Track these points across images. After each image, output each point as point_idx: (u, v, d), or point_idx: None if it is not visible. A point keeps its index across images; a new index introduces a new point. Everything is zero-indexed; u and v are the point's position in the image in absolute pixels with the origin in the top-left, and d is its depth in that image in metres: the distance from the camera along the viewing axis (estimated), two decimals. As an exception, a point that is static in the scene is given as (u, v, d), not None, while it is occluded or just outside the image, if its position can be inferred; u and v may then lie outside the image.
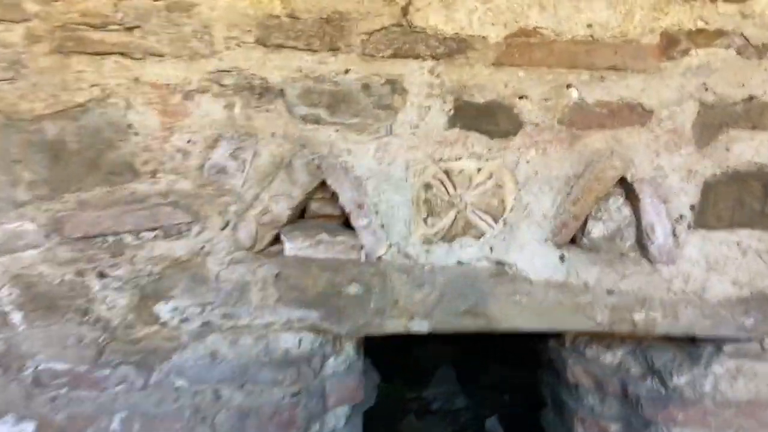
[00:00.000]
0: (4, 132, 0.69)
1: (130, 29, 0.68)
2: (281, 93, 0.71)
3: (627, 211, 0.74)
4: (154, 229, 0.72)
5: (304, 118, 0.72)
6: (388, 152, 0.73)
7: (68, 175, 0.71)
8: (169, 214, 0.72)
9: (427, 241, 0.75)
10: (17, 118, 0.69)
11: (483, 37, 0.70)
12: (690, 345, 0.79)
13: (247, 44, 0.70)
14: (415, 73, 0.71)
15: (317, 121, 0.72)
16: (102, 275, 0.73)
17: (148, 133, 0.71)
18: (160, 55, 0.69)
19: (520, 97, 0.72)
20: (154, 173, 0.71)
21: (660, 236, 0.72)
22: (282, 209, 0.73)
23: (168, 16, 0.68)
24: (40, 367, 0.77)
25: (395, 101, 0.72)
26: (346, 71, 0.71)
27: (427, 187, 0.73)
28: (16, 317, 0.75)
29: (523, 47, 0.70)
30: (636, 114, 0.72)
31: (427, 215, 0.73)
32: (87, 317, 0.75)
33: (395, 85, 0.71)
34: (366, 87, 0.71)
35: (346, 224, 0.76)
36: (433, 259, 0.75)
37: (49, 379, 0.75)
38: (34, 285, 0.73)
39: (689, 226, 0.73)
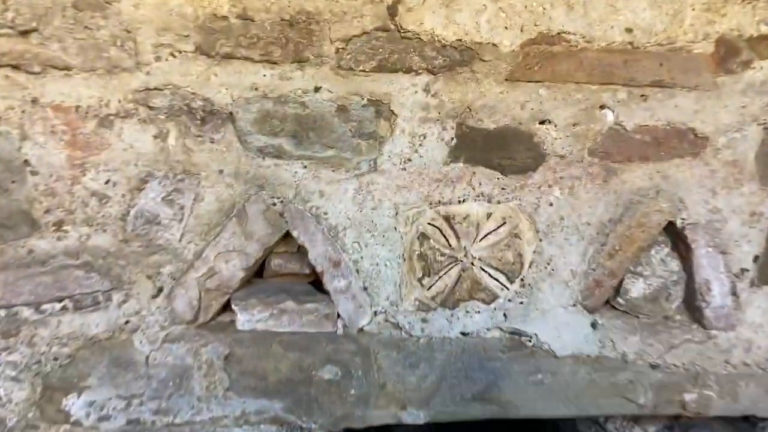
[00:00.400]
0: None
1: (24, 34, 0.54)
2: (231, 118, 0.58)
3: (674, 264, 0.63)
4: (60, 300, 0.58)
5: (262, 151, 0.58)
6: (372, 194, 0.60)
7: None
8: (80, 280, 0.58)
9: (424, 307, 0.62)
10: None
11: (494, 44, 0.58)
12: (741, 421, 0.68)
13: (185, 54, 0.56)
14: (405, 92, 0.58)
15: (279, 154, 0.58)
16: None
17: (52, 172, 0.56)
18: (67, 69, 0.55)
19: (542, 122, 0.60)
20: (59, 225, 0.57)
21: (717, 296, 0.61)
22: (233, 270, 0.59)
23: (76, 16, 0.54)
24: None
25: (380, 128, 0.59)
26: (317, 89, 0.58)
27: (423, 237, 0.60)
28: None
29: (544, 58, 0.58)
30: (687, 142, 0.60)
31: (423, 274, 0.60)
32: None
33: (380, 107, 0.59)
34: (342, 110, 0.58)
35: (319, 286, 0.63)
36: (431, 330, 0.62)
37: None
38: None
39: (753, 283, 0.62)
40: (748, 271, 0.61)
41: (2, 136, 0.55)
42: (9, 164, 0.55)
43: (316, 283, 0.61)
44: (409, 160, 0.58)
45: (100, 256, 0.56)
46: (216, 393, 0.58)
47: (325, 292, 0.58)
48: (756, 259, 0.61)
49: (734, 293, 0.60)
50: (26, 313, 0.56)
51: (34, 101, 0.55)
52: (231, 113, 0.56)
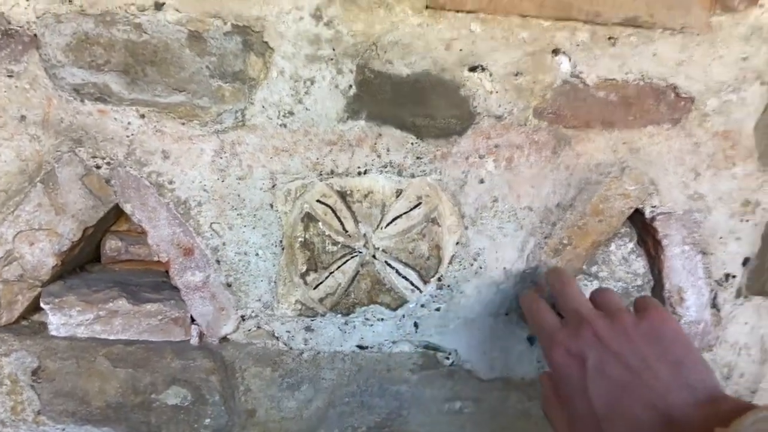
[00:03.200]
0: None
1: None
2: (35, 42, 0.74)
3: (640, 264, 0.87)
4: None
5: (80, 91, 0.76)
6: (239, 158, 0.80)
7: None
8: None
9: (308, 311, 0.84)
10: None
11: None
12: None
13: None
14: (287, 17, 0.76)
15: (104, 97, 0.76)
16: None
17: None
18: None
19: (473, 69, 0.80)
20: None
21: (692, 308, 0.86)
22: (41, 256, 0.79)
23: None
24: None
25: (251, 66, 0.78)
26: (158, 6, 0.75)
27: (309, 219, 0.81)
28: None
29: None
30: (666, 104, 0.82)
31: (308, 269, 0.82)
32: None
33: (250, 37, 0.77)
34: (196, 38, 0.76)
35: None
36: (318, 341, 0.86)
37: None
38: None
39: (739, 293, 0.87)
40: (734, 277, 0.85)
41: None
42: None
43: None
44: (291, 113, 0.77)
45: None
46: (25, 417, 0.80)
47: (177, 289, 0.79)
48: (746, 261, 0.85)
49: (714, 305, 0.85)
50: None
51: None
52: (35, 36, 0.73)
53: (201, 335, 0.79)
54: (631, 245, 0.82)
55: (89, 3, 0.70)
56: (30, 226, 0.73)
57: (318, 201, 0.76)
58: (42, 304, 0.75)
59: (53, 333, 0.76)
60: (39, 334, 0.77)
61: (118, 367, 0.77)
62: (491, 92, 0.76)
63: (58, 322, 0.75)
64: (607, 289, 0.68)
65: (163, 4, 0.71)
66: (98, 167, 0.73)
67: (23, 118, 0.72)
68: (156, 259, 0.79)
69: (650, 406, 0.46)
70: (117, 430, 0.79)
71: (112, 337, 0.77)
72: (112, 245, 0.80)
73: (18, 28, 0.70)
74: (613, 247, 0.81)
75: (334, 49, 0.74)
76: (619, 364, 0.50)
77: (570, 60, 0.76)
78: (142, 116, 0.73)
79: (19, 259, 0.74)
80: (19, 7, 0.70)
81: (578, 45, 0.75)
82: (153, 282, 0.81)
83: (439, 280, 0.80)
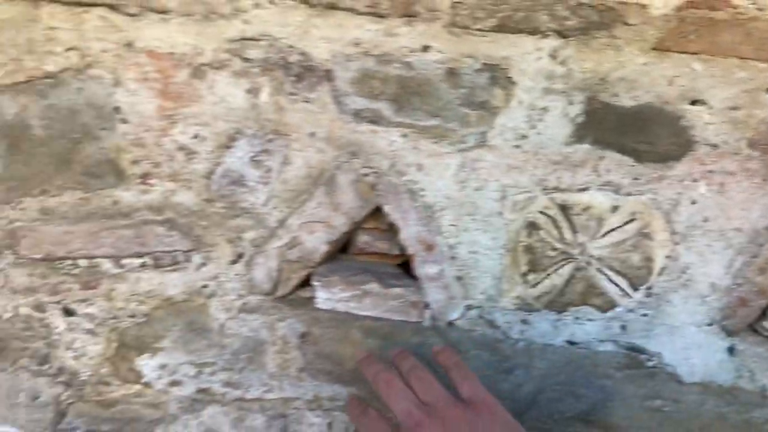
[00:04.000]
0: None
1: (123, -27, 1.25)
2: (328, 76, 1.25)
3: None
4: (140, 255, 1.33)
5: (359, 115, 1.25)
6: (477, 172, 1.25)
7: (29, 172, 1.33)
8: (161, 237, 1.33)
9: (525, 306, 1.28)
10: None
11: (642, 5, 1.17)
12: None
13: (285, 2, 1.23)
14: (529, 57, 1.20)
15: (377, 120, 1.25)
16: (69, 312, 1.38)
17: (142, 121, 1.29)
18: (164, 12, 1.25)
19: (693, 102, 1.18)
20: (145, 178, 1.31)
21: None
22: (317, 243, 1.30)
23: None
24: (-18, 424, 1.46)
25: (495, 97, 1.23)
26: (425, 49, 1.22)
27: (532, 227, 1.25)
28: None
29: (703, 25, 1.16)
30: None
31: (529, 269, 1.26)
32: (46, 366, 1.41)
33: (497, 74, 1.22)
34: (452, 74, 1.23)
35: (408, 270, 1.31)
36: (532, 334, 1.29)
37: (-6, 441, 1.44)
38: None
39: None
40: None
41: (95, 80, 1.27)
42: (100, 110, 1.28)
43: (404, 266, 1.29)
44: (525, 136, 1.21)
45: (182, 214, 1.29)
46: (289, 372, 1.31)
47: (415, 278, 1.27)
48: None
49: None
50: (107, 265, 1.32)
51: (129, 45, 1.26)
52: (329, 71, 1.22)
53: (432, 318, 1.25)
54: None
55: (372, 46, 1.18)
56: (311, 219, 1.23)
57: (541, 212, 1.19)
58: (313, 282, 1.24)
59: (319, 306, 1.25)
60: (306, 306, 1.27)
61: (368, 337, 1.24)
62: (709, 123, 1.14)
63: (323, 297, 1.25)
64: (430, 379, 0.93)
65: (429, 47, 1.17)
66: (367, 175, 1.21)
67: (313, 134, 1.22)
68: (395, 253, 1.26)
69: None
70: (361, 391, 1.27)
71: (362, 313, 1.25)
72: (363, 239, 1.28)
73: (316, 65, 1.20)
74: None
75: (566, 84, 1.16)
76: None
77: None
78: (404, 136, 1.20)
79: (300, 245, 1.24)
80: (319, 48, 1.19)
81: None
82: (391, 272, 1.28)
83: (648, 288, 1.19)
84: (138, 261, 1.25)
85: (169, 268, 1.25)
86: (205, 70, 1.19)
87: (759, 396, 1.16)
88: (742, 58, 1.09)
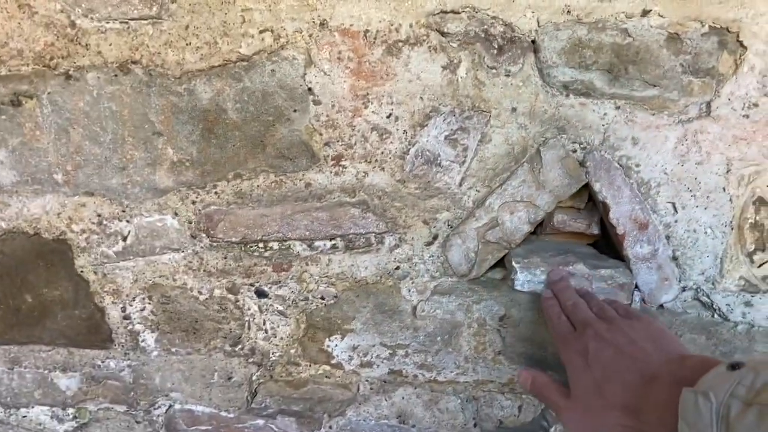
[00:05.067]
0: (144, 92, 1.33)
1: (315, -51, 1.22)
2: (533, 47, 1.19)
3: None
4: (332, 238, 1.33)
5: (567, 87, 1.19)
6: (699, 145, 1.17)
7: (224, 156, 1.34)
8: (354, 219, 1.32)
9: (750, 287, 1.20)
10: (161, 74, 1.32)
11: None
12: None
13: None
14: (760, 19, 1.10)
15: (587, 91, 1.19)
16: (261, 294, 1.40)
17: (334, 102, 1.27)
18: None
19: None
20: (338, 160, 1.30)
21: None
22: (518, 223, 1.26)
23: None
24: (174, 408, 1.53)
25: (722, 63, 1.14)
26: (645, 13, 1.14)
27: (761, 203, 1.16)
28: (149, 340, 1.48)
29: None
30: None
31: (756, 248, 1.18)
32: (239, 347, 1.45)
33: (725, 37, 1.13)
34: (674, 39, 1.14)
35: (602, 249, 1.25)
36: (755, 316, 1.21)
37: (186, 424, 1.50)
38: (173, 300, 1.43)
39: None
40: None
41: (288, 61, 1.26)
42: (293, 92, 1.27)
43: (600, 245, 1.23)
44: (756, 105, 1.12)
45: (376, 195, 1.27)
46: (485, 355, 1.29)
47: (616, 258, 1.21)
48: None
49: None
50: (299, 248, 1.32)
51: (323, 24, 1.23)
52: (534, 41, 1.17)
53: (642, 301, 1.19)
54: None
55: (585, 12, 1.11)
56: (513, 198, 1.18)
57: None
58: (513, 263, 1.21)
59: (518, 288, 1.21)
60: (501, 288, 1.23)
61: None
62: None
63: (523, 278, 1.21)
64: (607, 301, 1.05)
65: (650, 11, 1.09)
66: (575, 151, 1.16)
67: (514, 109, 1.17)
68: (594, 232, 1.20)
69: (634, 369, 0.80)
70: (561, 375, 1.23)
71: None
72: (559, 218, 1.23)
73: (520, 36, 1.14)
74: None
75: None
76: (611, 348, 0.86)
77: None
78: (617, 107, 1.13)
79: (500, 225, 1.20)
80: (525, 18, 1.14)
81: None
82: (588, 252, 1.22)
83: None
84: (330, 243, 1.26)
85: (360, 250, 1.25)
86: (401, 47, 1.16)
87: None
88: None
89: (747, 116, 1.08)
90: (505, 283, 1.21)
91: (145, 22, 1.16)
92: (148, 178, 1.25)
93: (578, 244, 1.23)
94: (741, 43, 1.06)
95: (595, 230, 1.18)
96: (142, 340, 1.37)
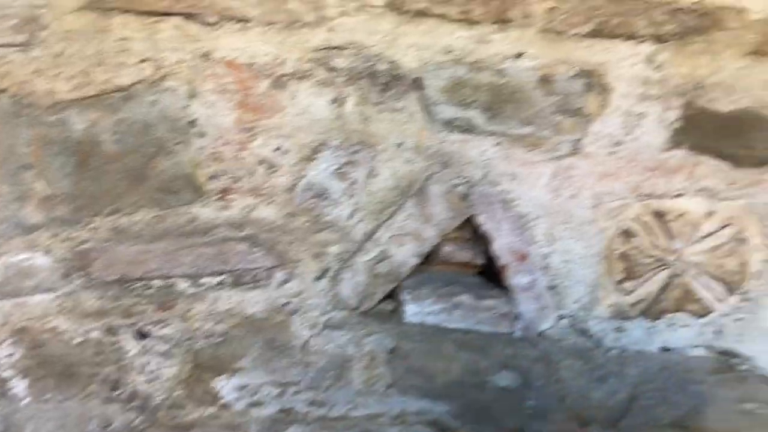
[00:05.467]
0: (11, 123, 1.26)
1: (198, -20, 1.21)
2: (417, 84, 1.23)
3: None
4: (220, 274, 1.30)
5: (450, 124, 1.24)
6: (571, 180, 1.25)
7: (101, 189, 1.29)
8: (242, 254, 1.30)
9: (620, 314, 1.29)
10: (30, 104, 1.26)
11: (739, 10, 1.18)
12: None
13: (373, 9, 1.20)
14: (624, 63, 1.20)
15: (469, 128, 1.24)
16: (142, 335, 1.34)
17: (219, 134, 1.25)
18: (244, 20, 1.21)
19: None
20: (224, 193, 1.28)
21: None
22: (406, 255, 1.28)
23: None
24: (48, 452, 1.42)
25: (590, 104, 1.23)
26: (519, 55, 1.21)
27: (627, 235, 1.25)
28: (19, 387, 1.37)
29: None
30: None
31: (624, 277, 1.27)
32: (118, 392, 1.37)
33: (592, 80, 1.21)
34: (546, 81, 1.22)
35: (489, 278, 1.30)
36: (626, 341, 1.30)
37: (62, 468, 1.40)
38: (45, 344, 1.34)
39: None
40: None
41: (169, 92, 1.24)
42: (175, 123, 1.25)
43: (489, 275, 1.29)
44: (620, 143, 1.21)
45: (264, 229, 1.26)
46: (376, 389, 1.30)
47: (503, 288, 1.26)
48: None
49: None
50: (183, 285, 1.29)
51: (206, 55, 1.22)
52: (418, 79, 1.21)
53: (523, 329, 1.25)
54: None
55: (465, 53, 1.17)
56: (400, 231, 1.22)
57: (635, 219, 1.20)
58: (402, 296, 1.24)
59: (408, 319, 1.24)
60: (393, 320, 1.26)
61: (461, 351, 1.24)
62: None
63: (413, 310, 1.24)
64: None
65: (523, 53, 1.17)
66: (457, 186, 1.21)
67: (400, 144, 1.21)
68: (479, 262, 1.26)
69: None
70: (451, 405, 1.26)
71: (452, 326, 1.25)
72: (446, 249, 1.28)
73: (405, 73, 1.19)
74: None
75: (662, 89, 1.17)
76: None
77: None
78: (497, 145, 1.20)
79: (388, 258, 1.23)
80: (408, 56, 1.18)
81: None
82: (477, 282, 1.28)
83: (744, 293, 1.21)
84: (217, 279, 1.23)
85: (249, 286, 1.23)
86: (287, 81, 1.17)
87: None
88: (839, 62, 1.11)
89: (613, 153, 1.16)
90: (396, 315, 1.23)
91: (13, 49, 1.09)
92: (15, 214, 1.17)
93: (466, 275, 1.27)
94: (606, 86, 1.13)
95: (480, 261, 1.22)
96: (12, 388, 1.27)
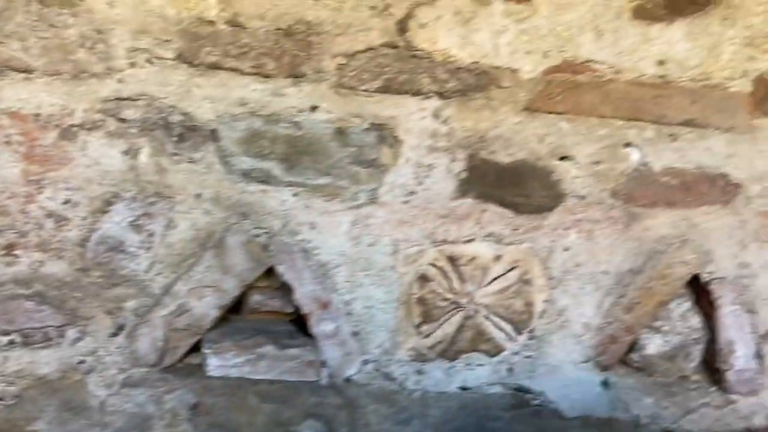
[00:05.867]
0: None
1: (-23, 27, 1.17)
2: (213, 136, 1.24)
3: (696, 320, 1.38)
4: (7, 333, 1.24)
5: (247, 175, 1.26)
6: (370, 228, 1.30)
7: None
8: (30, 313, 1.24)
9: (420, 357, 1.34)
10: None
11: (513, 69, 1.28)
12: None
13: (164, 61, 1.21)
14: (413, 117, 1.27)
15: (267, 179, 1.26)
16: None
17: (4, 187, 1.20)
18: (27, 71, 1.19)
19: (562, 158, 1.31)
20: (9, 249, 1.22)
21: (741, 358, 1.37)
22: (207, 308, 1.28)
23: (41, 12, 1.17)
24: None
25: (383, 155, 1.29)
26: (313, 109, 1.26)
27: (424, 279, 1.31)
28: None
29: (567, 88, 1.30)
30: (717, 189, 1.34)
31: (422, 321, 1.32)
32: None
33: (384, 133, 1.28)
34: (341, 133, 1.27)
35: (302, 325, 1.33)
36: (427, 383, 1.35)
37: None
38: None
39: None
40: None
41: None
42: None
43: (301, 323, 1.31)
44: (413, 192, 1.28)
45: (53, 286, 1.23)
46: None
47: (310, 334, 1.29)
48: None
49: (759, 356, 1.37)
50: None
51: None
52: (214, 130, 1.23)
53: (329, 376, 1.28)
54: (688, 304, 1.33)
55: (259, 106, 1.21)
56: (200, 284, 1.22)
57: (431, 264, 1.27)
58: (204, 349, 1.23)
59: (210, 373, 1.24)
60: (196, 374, 1.25)
61: (264, 402, 1.25)
62: (576, 177, 1.28)
63: (215, 364, 1.24)
64: None
65: (317, 107, 1.22)
66: (258, 236, 1.23)
67: (199, 195, 1.22)
68: (290, 310, 1.29)
69: None
70: None
71: (257, 377, 1.26)
72: (255, 298, 1.29)
73: (200, 125, 1.20)
74: (673, 305, 1.33)
75: (448, 142, 1.25)
76: None
77: (639, 152, 1.28)
78: (296, 195, 1.23)
79: (188, 311, 1.23)
80: (202, 108, 1.20)
81: (646, 140, 1.27)
82: (286, 330, 1.30)
83: (531, 332, 1.30)
84: (5, 339, 1.17)
85: (40, 345, 1.18)
86: (76, 132, 1.15)
87: (632, 425, 1.30)
88: (602, 117, 1.25)
89: (407, 202, 1.22)
90: (202, 370, 1.21)
91: None
92: None
93: (279, 322, 1.28)
94: (397, 138, 1.20)
95: (289, 309, 1.24)
96: None
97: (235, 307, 1.30)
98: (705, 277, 1.29)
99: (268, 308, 1.26)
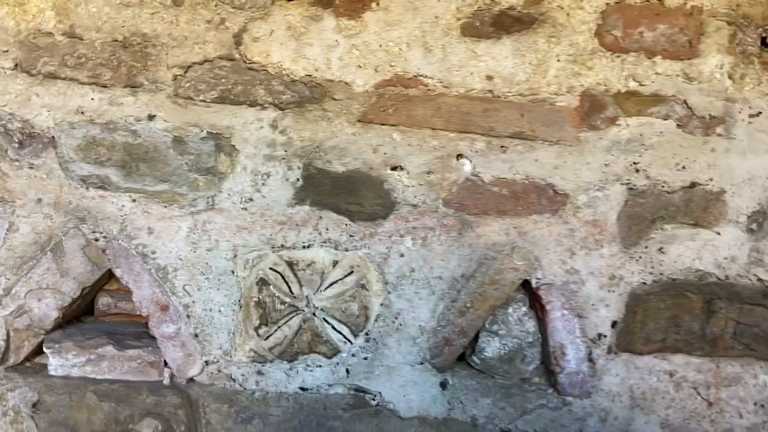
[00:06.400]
0: None
1: None
2: (52, 143, 1.31)
3: (531, 324, 1.46)
4: None
5: (86, 181, 1.32)
6: (209, 234, 1.37)
7: None
8: None
9: (259, 358, 1.41)
10: None
11: (346, 83, 1.36)
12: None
13: (2, 71, 1.28)
14: (250, 126, 1.35)
15: (104, 185, 1.33)
16: None
17: None
18: None
19: (394, 168, 1.39)
20: None
21: (572, 361, 1.45)
22: (47, 310, 1.34)
23: None
24: None
25: (220, 163, 1.36)
26: (151, 117, 1.33)
27: (263, 283, 1.38)
28: None
29: (399, 101, 1.37)
30: (546, 198, 1.42)
31: (261, 323, 1.39)
32: None
33: (221, 142, 1.35)
34: (179, 141, 1.34)
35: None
36: (267, 383, 1.41)
37: None
38: None
39: (610, 350, 1.47)
40: (605, 336, 1.45)
41: None
42: None
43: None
44: (251, 199, 1.35)
45: None
46: None
47: (154, 338, 1.35)
48: (614, 324, 1.45)
49: (590, 359, 1.44)
50: None
51: None
52: (53, 138, 1.30)
53: (172, 376, 1.34)
54: (524, 308, 1.40)
55: (97, 114, 1.28)
56: (39, 286, 1.28)
57: (270, 269, 1.34)
58: (45, 349, 1.29)
59: (52, 373, 1.30)
60: (39, 374, 1.31)
61: (103, 401, 1.31)
62: (408, 186, 1.35)
63: (56, 363, 1.30)
64: None
65: (155, 116, 1.29)
66: (96, 240, 1.29)
67: (39, 200, 1.28)
68: (138, 313, 1.35)
69: None
70: None
71: (99, 377, 1.31)
72: (104, 301, 1.35)
73: (40, 132, 1.27)
74: (510, 309, 1.40)
75: (286, 151, 1.32)
76: None
77: (471, 162, 1.35)
78: (134, 200, 1.30)
79: (28, 312, 1.29)
80: (41, 116, 1.27)
81: (477, 151, 1.35)
82: (135, 332, 1.35)
83: (367, 334, 1.37)
84: None
85: None
86: None
87: (470, 425, 1.37)
88: (434, 129, 1.32)
89: (246, 209, 1.29)
90: (46, 369, 1.26)
91: None
92: None
93: (130, 325, 1.34)
94: (234, 147, 1.26)
95: (146, 312, 1.29)
96: None
97: (90, 308, 1.34)
98: (534, 282, 1.36)
99: (118, 310, 1.32)
